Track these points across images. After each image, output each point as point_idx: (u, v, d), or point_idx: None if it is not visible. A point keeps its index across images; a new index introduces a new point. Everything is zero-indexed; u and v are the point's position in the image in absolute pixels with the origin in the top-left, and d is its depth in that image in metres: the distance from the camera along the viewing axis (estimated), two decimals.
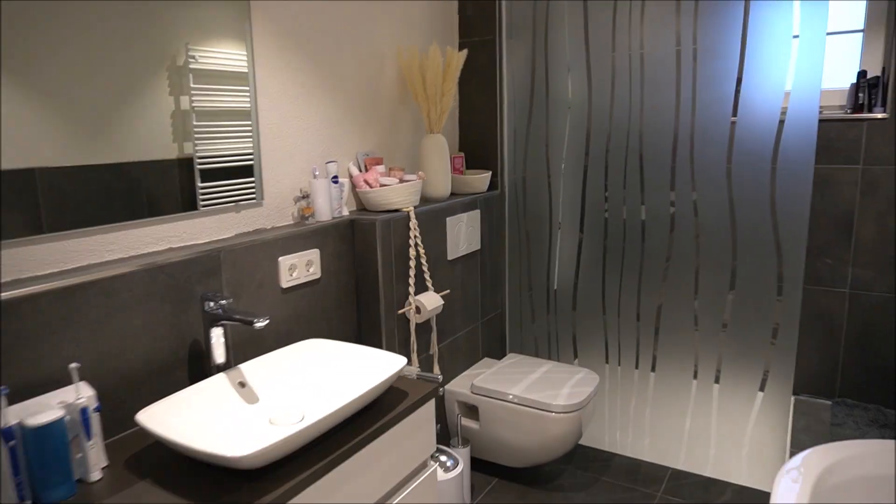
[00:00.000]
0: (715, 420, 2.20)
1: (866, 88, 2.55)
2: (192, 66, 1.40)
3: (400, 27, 2.09)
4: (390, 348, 1.88)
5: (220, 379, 1.32)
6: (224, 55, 1.48)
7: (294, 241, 1.63)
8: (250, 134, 1.58)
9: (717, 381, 2.19)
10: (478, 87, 2.40)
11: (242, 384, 1.35)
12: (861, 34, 2.60)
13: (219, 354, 1.36)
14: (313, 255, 1.68)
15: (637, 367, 2.35)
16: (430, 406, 1.44)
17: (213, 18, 1.44)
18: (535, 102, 2.38)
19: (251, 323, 1.27)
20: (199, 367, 1.42)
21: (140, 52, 1.29)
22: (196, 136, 1.42)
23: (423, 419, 1.42)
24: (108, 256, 1.30)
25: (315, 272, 1.69)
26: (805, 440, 2.49)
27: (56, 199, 1.19)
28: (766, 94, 1.91)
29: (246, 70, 1.55)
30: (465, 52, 2.10)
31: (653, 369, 2.32)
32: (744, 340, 2.10)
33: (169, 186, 1.38)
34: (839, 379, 2.79)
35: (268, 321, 1.28)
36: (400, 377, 1.48)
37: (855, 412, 2.71)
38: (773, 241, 1.99)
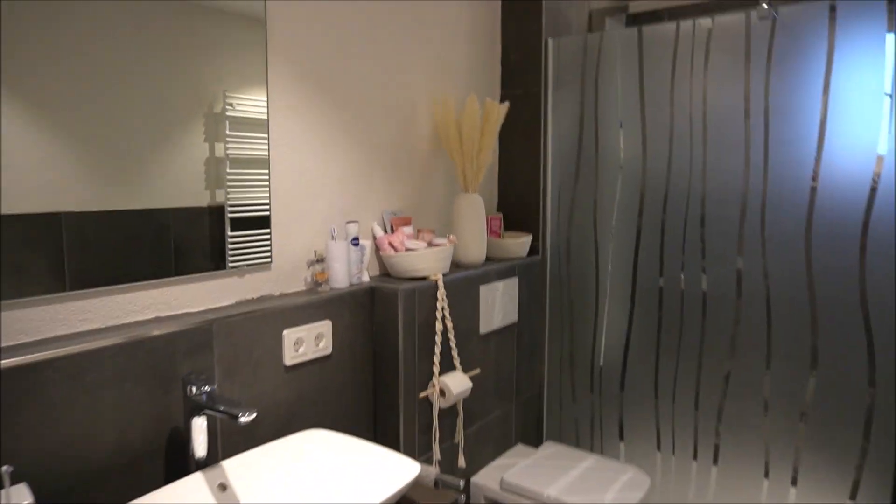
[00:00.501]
0: None
1: None
2: (228, 113, 1.31)
3: (436, 75, 1.93)
4: (409, 435, 1.63)
5: (196, 480, 1.10)
6: (258, 102, 1.39)
7: (303, 311, 1.42)
8: (268, 185, 1.42)
9: (794, 482, 1.85)
10: (520, 142, 2.21)
11: (223, 487, 1.12)
12: None
13: (199, 448, 1.14)
14: (324, 327, 1.47)
15: (695, 459, 2.04)
16: None
17: (250, 65, 1.36)
18: (583, 160, 2.17)
19: (235, 417, 1.06)
20: (179, 460, 1.20)
21: (178, 98, 1.22)
22: (229, 184, 1.33)
23: None
24: (80, 327, 1.12)
25: (325, 347, 1.48)
26: None
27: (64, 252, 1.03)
28: (853, 158, 1.65)
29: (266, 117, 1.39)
30: (506, 104, 1.92)
31: (714, 462, 1.99)
32: (828, 435, 1.77)
33: (199, 234, 1.29)
34: None
35: (255, 415, 1.06)
36: (415, 482, 1.23)
37: None
38: (862, 324, 1.69)
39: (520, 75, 2.20)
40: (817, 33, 1.69)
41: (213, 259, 1.31)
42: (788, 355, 1.81)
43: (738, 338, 1.90)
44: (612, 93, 2.08)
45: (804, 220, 1.75)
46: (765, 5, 1.74)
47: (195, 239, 1.28)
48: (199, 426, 1.13)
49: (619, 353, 2.17)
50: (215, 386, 1.14)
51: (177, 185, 1.23)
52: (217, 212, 1.31)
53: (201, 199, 1.28)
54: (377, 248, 1.73)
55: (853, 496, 1.76)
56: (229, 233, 1.34)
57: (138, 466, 1.13)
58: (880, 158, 1.61)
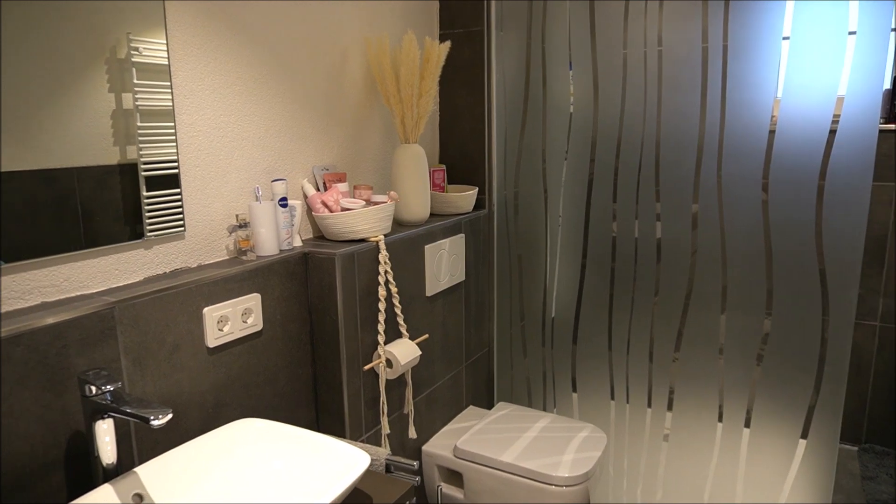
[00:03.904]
0: (743, 472, 1.86)
1: None
2: (134, 59, 1.12)
3: (368, 12, 1.72)
4: (355, 411, 1.50)
5: (105, 493, 0.93)
6: (164, 45, 1.19)
7: (226, 284, 1.24)
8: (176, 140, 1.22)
9: (747, 424, 1.85)
10: (462, 87, 2.04)
11: (140, 497, 0.96)
12: (894, 34, 2.30)
13: (106, 455, 0.97)
14: (252, 301, 1.30)
15: (650, 406, 2.01)
16: None
17: (155, 4, 1.14)
18: (531, 106, 2.02)
19: (146, 420, 0.89)
20: (84, 470, 1.02)
21: (72, 42, 1.02)
22: (141, 138, 1.14)
23: None
24: None
25: (255, 323, 1.31)
26: (835, 498, 2.17)
27: None
28: (814, 100, 1.58)
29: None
30: (447, 44, 1.73)
31: (669, 408, 1.97)
32: (781, 377, 1.76)
33: (110, 196, 1.10)
34: (866, 422, 2.49)
35: (170, 416, 0.89)
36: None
37: (885, 462, 2.40)
38: (817, 266, 1.66)
39: (460, 13, 2.00)
40: None
41: (129, 224, 1.13)
42: (743, 300, 1.78)
43: (694, 284, 1.85)
44: (562, 32, 1.92)
45: (761, 165, 1.68)
46: None
47: (106, 202, 1.09)
48: (104, 430, 0.96)
49: (572, 305, 2.10)
50: (121, 383, 0.96)
51: (80, 142, 1.04)
52: (129, 170, 1.12)
53: (110, 157, 1.09)
54: (309, 209, 1.55)
55: (804, 435, 1.77)
56: (145, 193, 1.15)
57: (32, 484, 0.95)
58: (840, 99, 1.54)
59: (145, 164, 1.15)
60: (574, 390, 2.15)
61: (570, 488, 1.63)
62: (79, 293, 1.07)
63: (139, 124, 1.13)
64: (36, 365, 0.94)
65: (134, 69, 1.12)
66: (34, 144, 0.98)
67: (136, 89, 1.12)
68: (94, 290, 1.10)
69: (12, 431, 0.92)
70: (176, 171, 1.21)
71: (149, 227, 1.17)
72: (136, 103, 1.13)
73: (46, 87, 0.99)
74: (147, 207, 1.16)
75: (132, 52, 1.11)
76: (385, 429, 1.59)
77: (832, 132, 1.56)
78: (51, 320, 0.96)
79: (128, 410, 0.91)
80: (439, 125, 2.10)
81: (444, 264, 1.82)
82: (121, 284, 1.14)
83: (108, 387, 0.94)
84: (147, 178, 1.15)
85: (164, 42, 1.17)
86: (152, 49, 1.15)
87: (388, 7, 1.80)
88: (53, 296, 1.04)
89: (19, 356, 0.91)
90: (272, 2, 1.40)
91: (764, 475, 1.83)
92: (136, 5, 1.11)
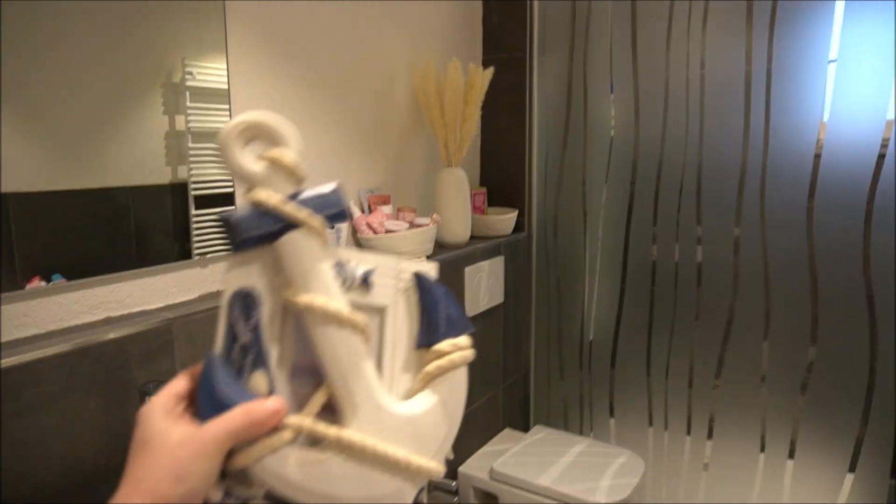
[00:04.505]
0: None
1: None
2: (188, 83, 1.18)
3: (413, 40, 1.77)
4: None
5: None
6: (219, 71, 1.25)
7: None
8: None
9: (791, 455, 1.80)
10: (504, 111, 2.07)
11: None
12: None
13: None
14: None
15: (689, 434, 1.97)
16: None
17: (208, 30, 1.21)
18: (572, 130, 2.04)
19: None
20: None
21: (134, 67, 1.09)
22: (192, 159, 1.20)
23: None
24: (17, 333, 0.97)
25: None
26: None
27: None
28: (862, 124, 1.56)
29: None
30: (490, 70, 1.77)
31: (709, 436, 1.93)
32: (828, 407, 1.72)
33: (161, 214, 1.17)
34: None
35: None
36: None
37: None
38: (864, 293, 1.62)
39: (503, 39, 2.04)
40: None
41: (178, 242, 1.18)
42: (787, 327, 1.75)
43: (735, 309, 1.82)
44: (603, 56, 1.94)
45: (806, 190, 1.66)
46: None
47: (158, 220, 1.15)
48: None
49: (610, 329, 2.09)
50: None
51: (136, 161, 1.10)
52: (180, 189, 1.18)
53: (163, 176, 1.15)
54: (354, 230, 1.59)
55: (852, 468, 1.72)
56: (193, 211, 1.20)
57: (93, 490, 1.00)
58: (889, 123, 1.52)
59: (195, 183, 1.20)
60: (611, 415, 2.13)
61: None
62: (140, 308, 1.13)
63: (190, 145, 1.19)
64: (101, 376, 0.99)
65: (187, 92, 1.18)
66: (95, 164, 1.04)
67: (189, 112, 1.18)
68: (154, 307, 1.15)
69: (81, 439, 0.97)
70: (231, 190, 1.27)
71: (196, 246, 1.21)
72: (188, 125, 1.19)
73: (107, 108, 1.05)
74: (195, 226, 1.21)
75: (186, 76, 1.17)
76: None
77: (881, 157, 1.54)
78: (114, 335, 1.01)
79: None
80: (481, 148, 2.13)
81: (484, 286, 1.84)
82: (178, 301, 1.19)
83: None
84: (196, 196, 1.21)
85: (219, 66, 1.23)
86: (205, 73, 1.21)
87: (433, 33, 1.85)
88: (117, 311, 1.09)
89: (87, 368, 0.97)
90: (323, 32, 1.46)
91: None
92: (195, 32, 1.17)
